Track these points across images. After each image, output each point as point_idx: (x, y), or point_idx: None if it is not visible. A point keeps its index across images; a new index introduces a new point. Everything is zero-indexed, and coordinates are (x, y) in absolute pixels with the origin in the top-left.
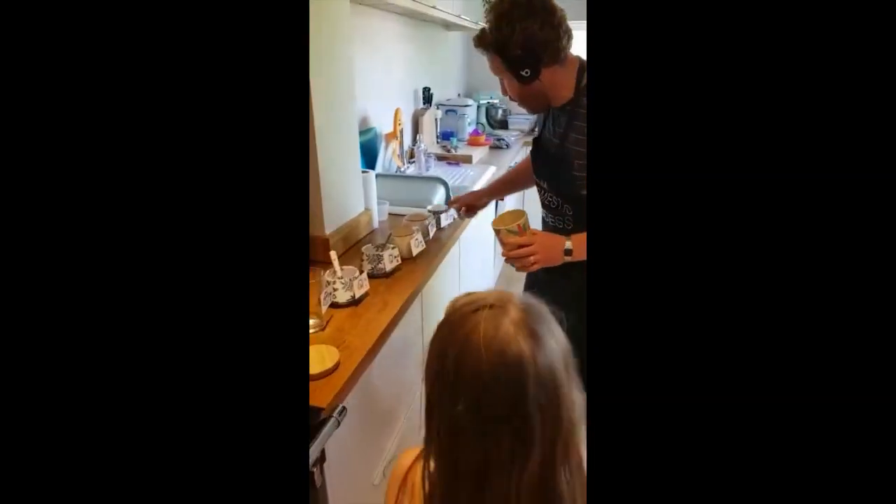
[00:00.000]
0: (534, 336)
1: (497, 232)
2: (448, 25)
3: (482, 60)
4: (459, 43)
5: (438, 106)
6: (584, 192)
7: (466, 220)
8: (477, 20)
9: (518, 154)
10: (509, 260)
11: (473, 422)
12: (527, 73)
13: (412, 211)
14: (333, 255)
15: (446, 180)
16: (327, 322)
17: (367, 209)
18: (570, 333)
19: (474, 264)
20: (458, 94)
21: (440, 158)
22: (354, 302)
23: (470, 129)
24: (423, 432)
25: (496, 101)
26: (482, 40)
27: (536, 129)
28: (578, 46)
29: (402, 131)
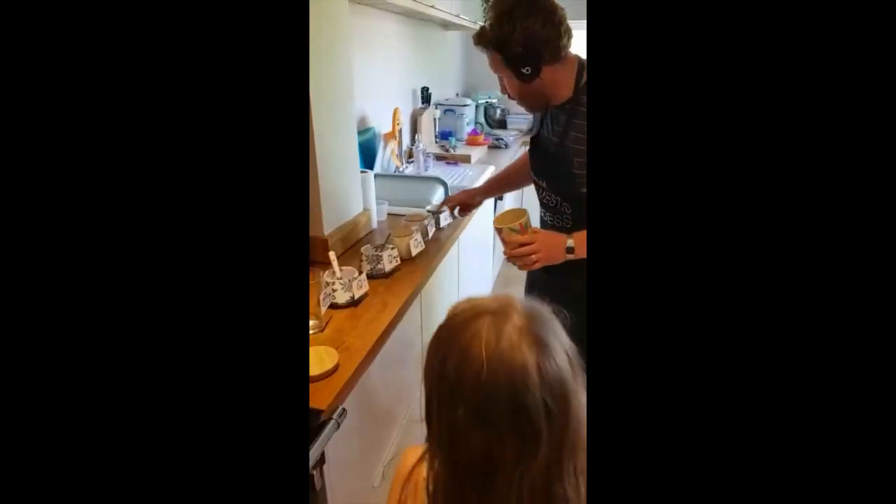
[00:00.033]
0: (538, 343)
1: (499, 231)
2: (446, 25)
3: (481, 60)
4: (458, 42)
5: (437, 106)
6: (584, 190)
7: (466, 219)
8: (475, 19)
9: (517, 154)
10: (511, 259)
11: (475, 427)
12: (528, 70)
13: (411, 211)
14: (332, 255)
15: (445, 180)
16: (326, 323)
17: (366, 209)
18: (574, 331)
19: (473, 264)
20: (457, 94)
21: (439, 158)
22: (354, 303)
23: (468, 129)
24: (423, 430)
25: (494, 100)
26: (482, 38)
27: (534, 129)
28: (577, 46)
29: (400, 131)
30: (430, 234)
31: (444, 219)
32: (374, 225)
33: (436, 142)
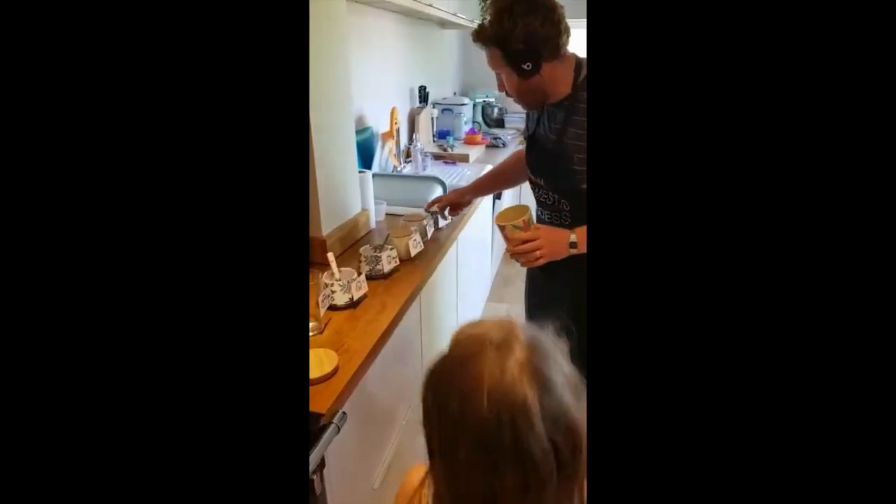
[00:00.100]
0: (538, 377)
1: (501, 228)
2: (444, 23)
3: (478, 59)
4: (455, 41)
5: (434, 105)
6: (584, 187)
7: (465, 219)
8: (473, 18)
9: None
10: (515, 255)
11: (478, 465)
12: (528, 66)
13: (409, 211)
14: (331, 256)
15: (443, 179)
16: (325, 325)
17: (365, 209)
18: (575, 350)
19: (472, 264)
20: (455, 93)
21: (437, 157)
22: (353, 304)
23: (466, 128)
24: (422, 433)
25: (492, 99)
26: (482, 34)
27: (530, 127)
28: (576, 45)
29: (398, 130)
30: (429, 235)
31: (443, 219)
32: (373, 225)
33: (434, 141)
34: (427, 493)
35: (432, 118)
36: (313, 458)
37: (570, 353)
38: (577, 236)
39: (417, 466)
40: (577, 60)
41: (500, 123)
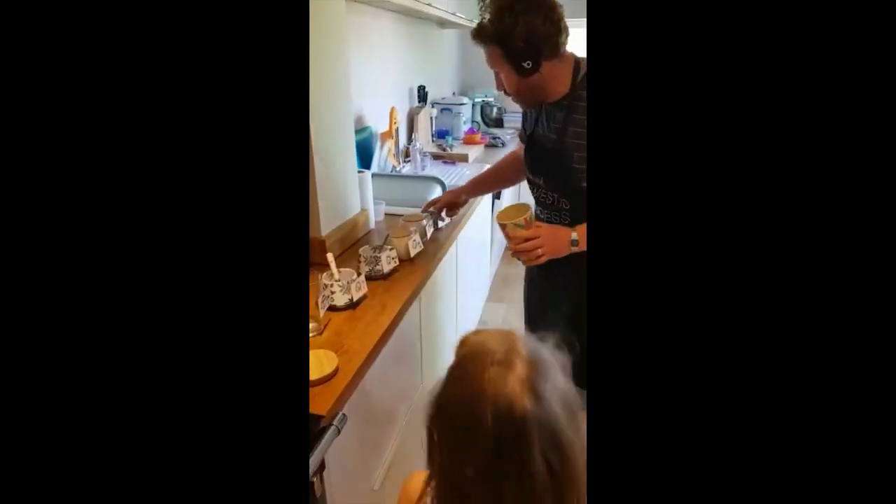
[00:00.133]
0: (537, 394)
1: (503, 227)
2: (443, 23)
3: (477, 58)
4: (454, 41)
5: (433, 104)
6: (585, 185)
7: (464, 219)
8: (472, 17)
9: None
10: (516, 253)
11: (480, 480)
12: (528, 64)
13: (409, 211)
14: (330, 257)
15: (442, 179)
16: (325, 326)
17: (364, 209)
18: (574, 370)
19: (472, 264)
20: (454, 93)
21: (436, 157)
22: (352, 305)
23: (465, 128)
24: (422, 433)
25: (491, 99)
26: (481, 32)
27: (527, 128)
28: (574, 44)
29: (397, 130)
30: (429, 235)
31: (440, 220)
32: (372, 225)
33: (432, 141)
34: (428, 501)
35: (431, 118)
36: (313, 461)
37: (571, 361)
38: (578, 234)
39: (416, 473)
40: (576, 60)
41: (499, 123)
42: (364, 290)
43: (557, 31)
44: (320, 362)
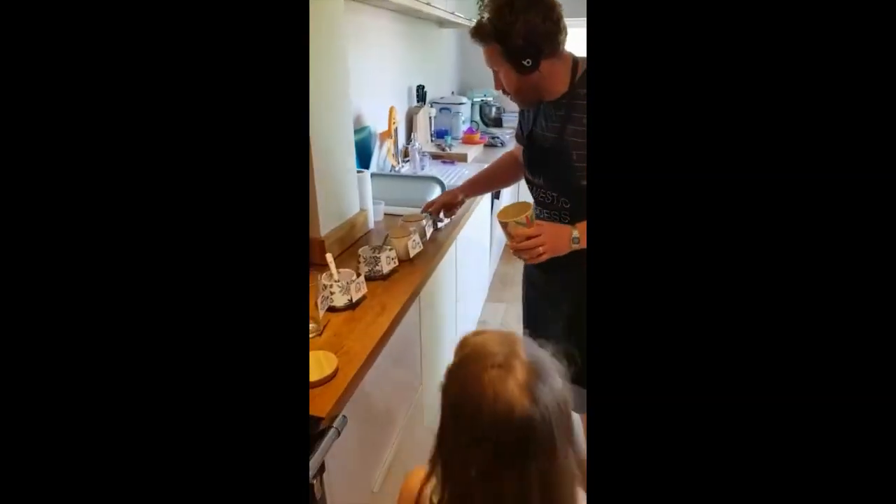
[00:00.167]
0: (535, 398)
1: (504, 225)
2: (441, 22)
3: (476, 58)
4: (453, 40)
5: (432, 104)
6: (585, 183)
7: (464, 220)
8: (471, 17)
9: None
10: (518, 252)
11: (480, 480)
12: (528, 62)
13: (408, 211)
14: (330, 257)
15: (442, 179)
16: (324, 327)
17: (363, 209)
18: (572, 377)
19: (471, 264)
20: (452, 92)
21: (435, 157)
22: (352, 306)
23: (464, 128)
24: (423, 431)
25: (490, 98)
26: (481, 30)
27: (524, 128)
28: (573, 44)
29: (396, 130)
30: (428, 235)
31: (438, 221)
32: (371, 225)
33: (431, 140)
34: (428, 493)
35: (430, 117)
36: (313, 464)
37: (572, 371)
38: (579, 231)
39: (417, 469)
40: (574, 59)
41: (497, 123)
42: (363, 290)
43: (557, 29)
44: (320, 364)
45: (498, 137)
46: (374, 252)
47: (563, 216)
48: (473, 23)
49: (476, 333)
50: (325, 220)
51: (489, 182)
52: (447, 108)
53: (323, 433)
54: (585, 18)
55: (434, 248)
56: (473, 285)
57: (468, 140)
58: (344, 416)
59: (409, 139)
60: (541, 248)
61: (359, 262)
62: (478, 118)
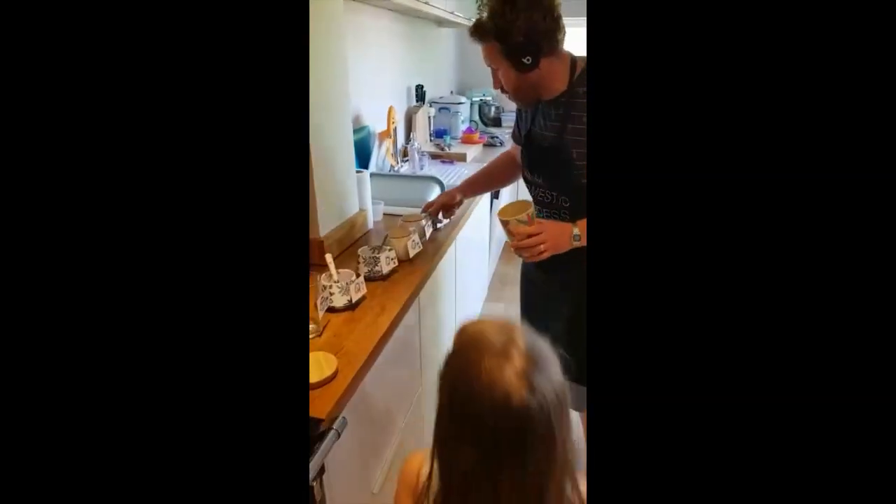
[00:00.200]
0: (533, 387)
1: (505, 223)
2: (440, 22)
3: (475, 57)
4: (452, 40)
5: (431, 104)
6: (584, 182)
7: (463, 220)
8: (470, 16)
9: None
10: (519, 250)
11: (479, 469)
12: (528, 60)
13: (407, 211)
14: (329, 257)
15: (441, 179)
16: (324, 328)
17: (362, 210)
18: (569, 325)
19: (470, 264)
20: (451, 92)
21: (434, 157)
22: (351, 306)
23: (463, 127)
24: (423, 430)
25: (489, 98)
26: (480, 29)
27: (522, 128)
28: (572, 44)
29: (395, 130)
30: (428, 235)
31: (437, 222)
32: (371, 225)
33: (430, 140)
34: (426, 472)
35: (429, 117)
36: (313, 466)
37: (568, 365)
38: (580, 229)
39: (416, 453)
40: (572, 58)
41: (497, 122)
42: (363, 291)
43: (556, 27)
44: (320, 365)
45: (497, 137)
46: (373, 252)
47: (562, 215)
48: (471, 23)
49: (475, 321)
50: (325, 221)
51: (487, 182)
52: (446, 108)
53: (323, 435)
54: (585, 18)
55: (433, 248)
56: (473, 285)
57: (467, 140)
58: (344, 418)
59: (408, 139)
60: (542, 246)
61: (358, 263)
62: (477, 118)
